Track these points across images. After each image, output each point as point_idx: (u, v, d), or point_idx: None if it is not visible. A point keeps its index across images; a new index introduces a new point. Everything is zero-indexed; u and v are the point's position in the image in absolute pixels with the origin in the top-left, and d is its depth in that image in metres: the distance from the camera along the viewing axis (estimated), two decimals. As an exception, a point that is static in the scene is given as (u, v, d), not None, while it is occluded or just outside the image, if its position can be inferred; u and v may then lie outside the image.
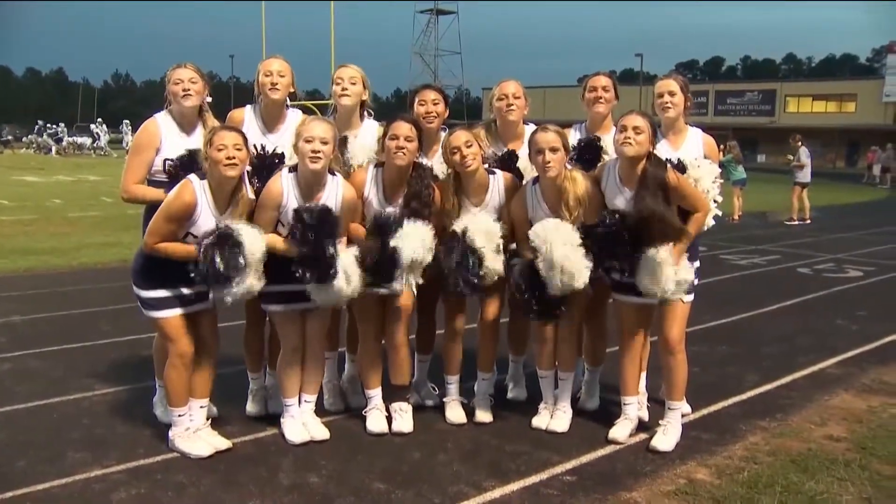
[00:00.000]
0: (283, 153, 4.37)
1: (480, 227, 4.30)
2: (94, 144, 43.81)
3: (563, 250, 4.09)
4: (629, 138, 4.00)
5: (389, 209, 4.30)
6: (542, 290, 4.20)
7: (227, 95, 44.91)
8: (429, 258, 4.24)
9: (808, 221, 16.82)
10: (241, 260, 3.86)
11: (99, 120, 45.94)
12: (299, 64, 4.81)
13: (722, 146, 18.62)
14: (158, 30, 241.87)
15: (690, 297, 4.32)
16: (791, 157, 17.52)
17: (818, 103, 57.17)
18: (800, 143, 17.34)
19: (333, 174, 4.20)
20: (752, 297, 8.51)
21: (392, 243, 4.16)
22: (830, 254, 12.10)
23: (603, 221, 4.15)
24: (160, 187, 4.19)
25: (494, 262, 4.29)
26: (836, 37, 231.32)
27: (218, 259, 3.82)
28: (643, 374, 4.70)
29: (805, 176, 17.33)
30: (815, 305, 8.31)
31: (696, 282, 4.36)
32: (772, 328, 7.19)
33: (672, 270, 4.11)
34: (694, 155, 4.36)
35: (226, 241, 3.86)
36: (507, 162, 4.61)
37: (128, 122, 44.04)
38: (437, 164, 4.53)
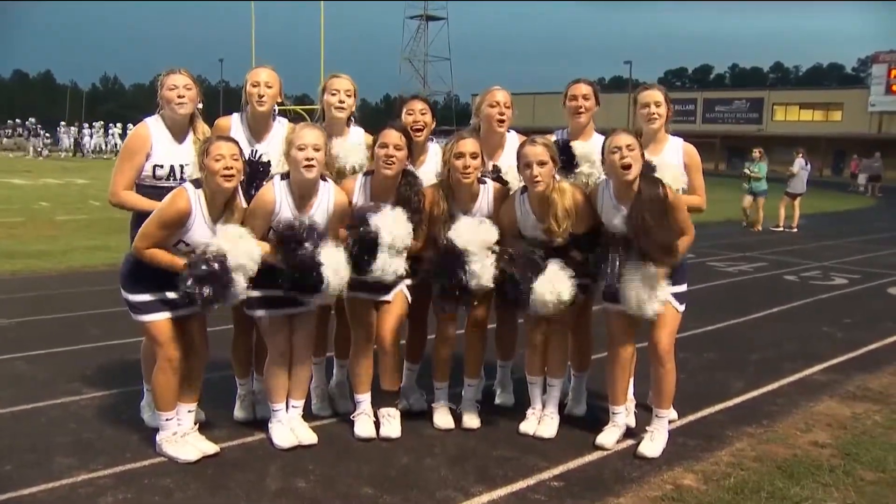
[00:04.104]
0: (269, 161, 4.37)
1: (475, 237, 4.29)
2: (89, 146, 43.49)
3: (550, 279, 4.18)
4: (626, 157, 3.98)
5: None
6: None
7: (217, 100, 44.81)
8: (408, 241, 4.21)
9: (795, 230, 16.93)
10: (231, 289, 3.88)
11: (87, 123, 45.70)
12: (289, 69, 4.82)
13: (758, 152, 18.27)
14: (147, 33, 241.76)
15: (682, 308, 4.35)
16: (790, 169, 17.64)
17: (805, 112, 57.47)
18: (798, 155, 17.44)
19: (325, 180, 4.22)
20: (739, 304, 8.57)
21: (371, 226, 4.14)
22: (817, 261, 12.20)
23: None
24: (149, 192, 4.21)
25: (484, 274, 4.28)
26: (822, 46, 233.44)
27: (207, 291, 3.82)
28: (630, 381, 4.72)
29: (794, 186, 17.45)
30: (801, 312, 8.38)
31: (685, 290, 4.38)
32: (758, 335, 7.24)
33: (656, 290, 4.13)
34: (672, 163, 4.37)
35: (216, 276, 3.83)
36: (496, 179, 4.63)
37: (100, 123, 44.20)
38: (423, 174, 4.53)
